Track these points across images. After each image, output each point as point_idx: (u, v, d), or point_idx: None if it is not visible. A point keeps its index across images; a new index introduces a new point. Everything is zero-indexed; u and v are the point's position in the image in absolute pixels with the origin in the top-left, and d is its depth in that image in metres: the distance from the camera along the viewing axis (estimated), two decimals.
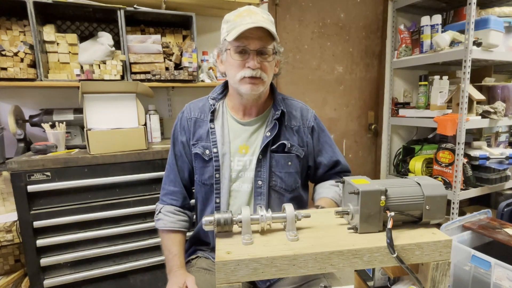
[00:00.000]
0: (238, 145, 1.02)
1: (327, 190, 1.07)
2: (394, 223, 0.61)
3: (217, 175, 0.99)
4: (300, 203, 1.08)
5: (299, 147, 1.03)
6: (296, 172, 1.04)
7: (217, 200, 1.00)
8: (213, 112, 1.02)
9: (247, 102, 1.00)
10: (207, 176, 1.01)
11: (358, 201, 0.61)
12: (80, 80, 1.51)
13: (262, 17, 0.92)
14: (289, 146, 1.01)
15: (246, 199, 1.00)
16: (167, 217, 1.04)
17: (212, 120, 1.02)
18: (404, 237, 0.61)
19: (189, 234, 1.13)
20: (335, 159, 1.10)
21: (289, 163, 1.02)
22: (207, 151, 1.00)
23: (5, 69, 1.42)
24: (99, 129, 1.46)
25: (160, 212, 1.06)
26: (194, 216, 1.15)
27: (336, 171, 1.12)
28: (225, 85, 1.08)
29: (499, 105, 2.09)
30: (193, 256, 1.10)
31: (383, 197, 0.61)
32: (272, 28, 0.91)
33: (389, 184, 0.64)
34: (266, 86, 0.98)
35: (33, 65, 1.49)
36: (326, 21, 2.40)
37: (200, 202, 1.08)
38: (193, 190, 1.12)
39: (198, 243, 1.12)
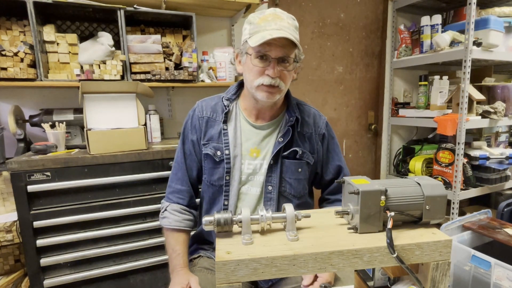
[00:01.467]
0: (249, 148, 1.01)
1: None
2: (394, 223, 0.61)
3: (227, 177, 0.99)
4: (307, 209, 1.07)
5: (310, 154, 1.03)
6: (305, 178, 1.03)
7: (226, 202, 1.00)
8: (226, 113, 1.01)
9: (262, 107, 1.00)
10: (217, 177, 1.01)
11: (358, 201, 0.61)
12: (80, 80, 1.51)
13: (287, 23, 0.89)
14: (300, 153, 1.00)
15: (254, 202, 1.00)
16: (173, 215, 1.03)
17: (225, 121, 1.01)
18: (404, 237, 0.61)
19: (192, 232, 1.13)
20: (338, 164, 1.09)
21: (299, 169, 1.01)
22: (219, 152, 0.99)
23: (5, 69, 1.42)
24: (99, 129, 1.46)
25: (166, 210, 1.04)
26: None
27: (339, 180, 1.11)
28: (239, 85, 1.07)
29: (499, 105, 2.09)
30: (195, 256, 1.09)
31: (383, 197, 0.61)
32: (296, 36, 0.89)
33: (389, 184, 0.64)
34: (283, 94, 0.97)
35: (33, 65, 1.49)
36: (326, 21, 2.40)
37: (206, 202, 1.06)
38: (199, 189, 1.11)
39: (201, 242, 1.12)
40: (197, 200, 1.11)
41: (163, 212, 1.05)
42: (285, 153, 0.99)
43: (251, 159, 1.00)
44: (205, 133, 1.02)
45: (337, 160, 1.09)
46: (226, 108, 1.01)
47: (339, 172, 1.09)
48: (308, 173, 1.04)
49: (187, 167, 1.05)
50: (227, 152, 0.98)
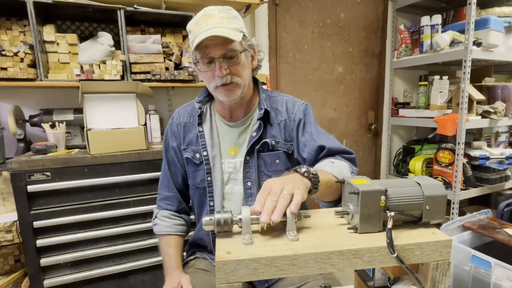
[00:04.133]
0: (227, 147, 1.01)
1: (315, 166, 0.89)
2: (394, 223, 0.61)
3: (209, 178, 0.99)
4: None
5: (285, 143, 1.00)
6: (286, 168, 1.00)
7: (211, 203, 1.00)
8: (200, 116, 1.02)
9: (230, 106, 0.99)
10: (199, 179, 1.01)
11: (358, 201, 0.61)
12: (80, 80, 1.50)
13: (219, 18, 0.87)
14: (273, 143, 0.98)
15: (240, 201, 1.00)
16: (163, 222, 1.05)
17: (200, 124, 1.01)
18: (404, 237, 0.61)
19: (190, 234, 1.13)
20: (317, 145, 0.95)
21: (277, 160, 0.99)
22: (197, 155, 1.00)
23: (5, 69, 1.42)
24: (99, 129, 1.46)
25: (156, 217, 1.07)
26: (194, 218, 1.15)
27: (325, 154, 0.95)
28: None
29: (499, 105, 2.09)
30: (192, 257, 1.11)
31: (383, 197, 0.61)
32: (234, 26, 0.87)
33: (389, 184, 0.64)
34: (244, 88, 0.95)
35: (33, 65, 1.49)
36: (326, 21, 2.40)
37: (196, 206, 1.08)
38: (189, 194, 1.12)
39: (195, 247, 1.13)
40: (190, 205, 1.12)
41: (153, 219, 1.08)
42: (258, 147, 0.98)
43: (230, 157, 1.01)
44: (184, 138, 1.03)
45: (312, 141, 0.96)
46: (199, 111, 1.01)
47: (321, 150, 0.95)
48: (289, 163, 1.01)
49: (172, 174, 1.07)
50: (205, 153, 0.99)
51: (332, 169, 0.82)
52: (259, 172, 0.99)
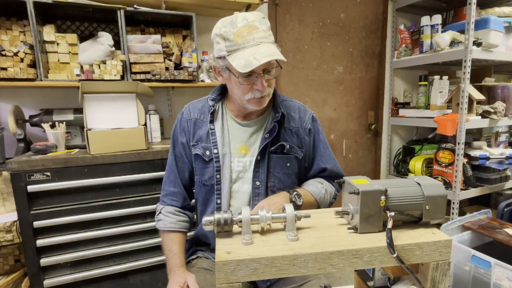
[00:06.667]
0: (237, 146, 1.02)
1: (308, 184, 1.07)
2: (394, 223, 0.61)
3: (217, 176, 1.00)
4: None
5: (298, 149, 1.03)
6: (294, 173, 1.04)
7: (218, 201, 1.00)
8: (212, 113, 1.02)
9: (252, 111, 1.01)
10: (208, 176, 1.02)
11: (358, 201, 0.61)
12: (80, 80, 1.51)
13: (263, 32, 0.86)
14: (288, 147, 1.01)
15: (246, 200, 1.00)
16: (167, 217, 1.04)
17: (212, 121, 1.02)
18: (404, 237, 0.61)
19: (189, 234, 1.13)
20: (322, 167, 1.08)
21: (288, 164, 1.02)
22: (207, 152, 1.01)
23: (5, 69, 1.42)
24: (99, 129, 1.46)
25: (160, 212, 1.06)
26: (195, 217, 1.15)
27: (324, 175, 1.11)
28: (223, 87, 1.07)
29: (499, 105, 2.09)
30: (193, 257, 1.10)
31: (383, 197, 0.61)
32: (272, 43, 0.88)
33: (389, 184, 0.64)
34: (271, 95, 0.99)
35: (33, 65, 1.49)
36: (326, 21, 2.40)
37: (200, 203, 1.08)
38: (194, 191, 1.12)
39: (198, 244, 1.12)
40: (193, 202, 1.12)
41: (157, 215, 1.07)
42: (272, 148, 1.00)
43: (240, 156, 1.02)
44: (194, 134, 1.03)
45: (319, 160, 1.09)
46: (211, 108, 1.02)
47: (323, 171, 1.10)
48: (297, 168, 1.04)
49: (179, 169, 1.07)
50: (215, 151, 1.00)
51: (318, 192, 1.03)
52: (269, 173, 1.00)
